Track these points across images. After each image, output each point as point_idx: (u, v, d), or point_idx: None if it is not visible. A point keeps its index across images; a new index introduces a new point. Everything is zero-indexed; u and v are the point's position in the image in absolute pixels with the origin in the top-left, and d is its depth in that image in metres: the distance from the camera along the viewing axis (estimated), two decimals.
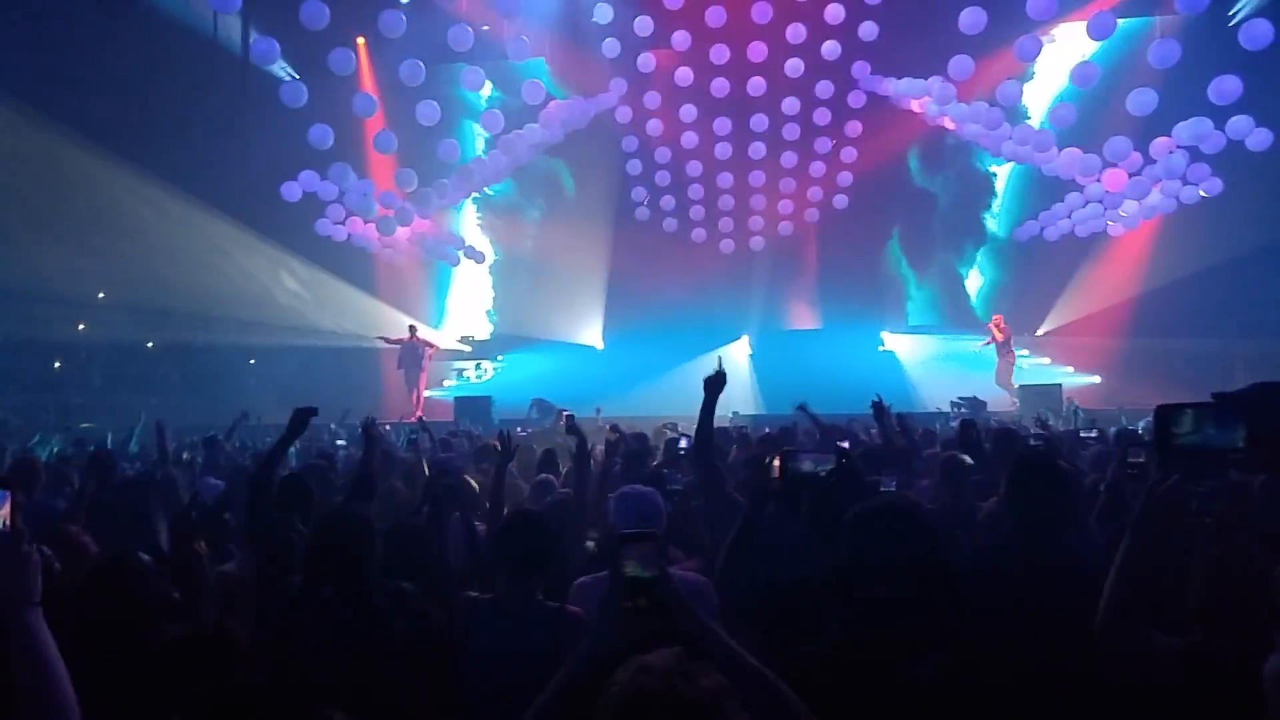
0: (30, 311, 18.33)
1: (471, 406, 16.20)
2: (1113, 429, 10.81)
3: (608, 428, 8.79)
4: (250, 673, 2.75)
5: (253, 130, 17.37)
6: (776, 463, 3.76)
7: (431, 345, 18.32)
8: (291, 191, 16.90)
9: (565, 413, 14.54)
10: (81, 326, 20.71)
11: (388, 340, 18.16)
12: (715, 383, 4.82)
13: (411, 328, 18.20)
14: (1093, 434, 9.65)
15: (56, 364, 20.55)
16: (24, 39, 15.54)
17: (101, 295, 20.28)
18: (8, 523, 1.98)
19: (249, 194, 17.64)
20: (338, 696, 2.97)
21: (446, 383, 20.51)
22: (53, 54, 16.03)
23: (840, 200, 19.17)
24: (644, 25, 16.66)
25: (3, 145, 15.90)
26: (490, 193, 20.68)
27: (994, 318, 17.75)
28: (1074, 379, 17.77)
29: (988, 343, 17.53)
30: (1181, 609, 2.96)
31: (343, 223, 17.66)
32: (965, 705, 2.18)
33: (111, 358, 20.24)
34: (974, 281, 20.88)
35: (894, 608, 2.31)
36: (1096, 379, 17.66)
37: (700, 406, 4.62)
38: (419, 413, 16.71)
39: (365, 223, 17.81)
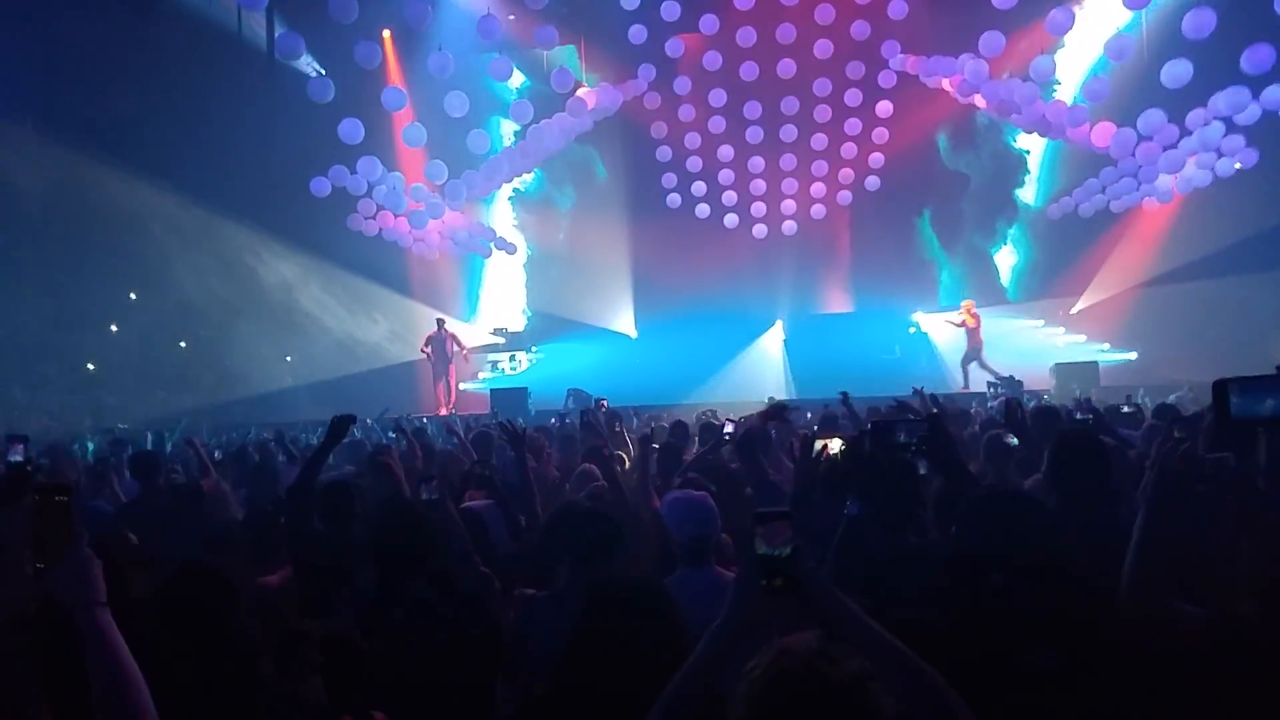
0: (61, 314, 18.47)
1: (507, 398, 16.20)
2: (1147, 401, 10.82)
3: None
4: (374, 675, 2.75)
5: (280, 127, 17.37)
6: (822, 446, 3.77)
7: (461, 345, 18.28)
8: (321, 187, 16.90)
9: (601, 400, 14.65)
10: (114, 328, 20.79)
11: (425, 349, 18.10)
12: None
13: (439, 321, 18.20)
14: (1130, 409, 9.61)
15: (90, 366, 20.63)
16: (48, 38, 15.53)
17: (134, 296, 20.35)
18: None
19: (275, 193, 17.68)
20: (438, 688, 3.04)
21: (481, 375, 20.53)
22: (75, 54, 16.02)
23: (872, 182, 19.06)
24: (671, 10, 16.56)
25: (28, 147, 15.98)
26: (521, 188, 20.67)
27: (965, 303, 17.51)
28: (1110, 355, 17.62)
29: (959, 324, 17.31)
30: (1210, 579, 2.96)
31: (373, 217, 17.66)
32: (1083, 702, 2.16)
33: (145, 358, 20.32)
34: (1007, 260, 20.75)
35: (1011, 598, 2.31)
36: (1133, 355, 17.50)
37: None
38: (450, 407, 16.72)
39: (396, 217, 17.80)
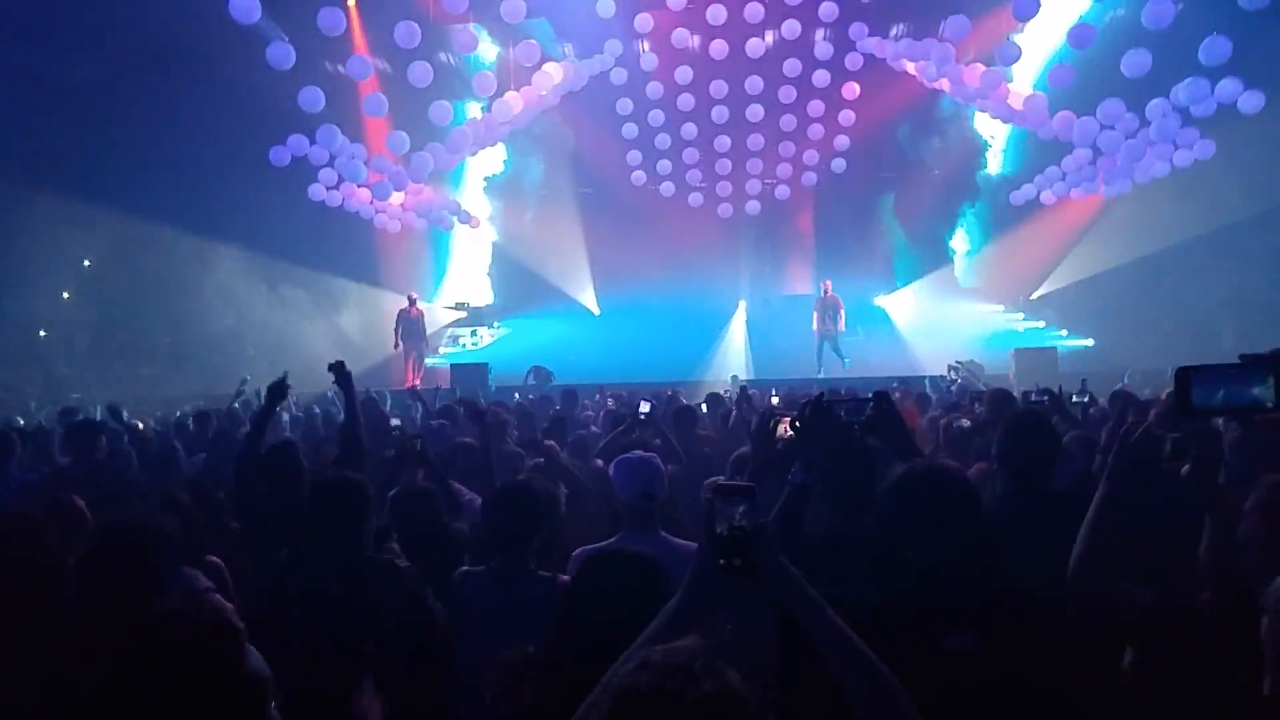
0: (14, 281, 18.08)
1: (468, 373, 16.14)
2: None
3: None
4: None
5: (238, 94, 17.03)
6: (782, 426, 3.66)
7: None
8: (280, 157, 16.64)
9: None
10: (66, 295, 20.41)
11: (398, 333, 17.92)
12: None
13: (410, 298, 18.04)
14: (1084, 398, 9.63)
15: (41, 333, 20.24)
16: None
17: (87, 264, 19.98)
18: None
19: (237, 160, 17.38)
20: (310, 678, 2.93)
21: (443, 350, 20.41)
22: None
23: (838, 164, 19.11)
24: None
25: None
26: (495, 168, 20.60)
27: (824, 283, 17.64)
28: (1069, 341, 17.87)
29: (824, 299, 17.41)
30: (1164, 562, 3.01)
31: (335, 188, 17.44)
32: (1004, 682, 2.13)
33: (100, 328, 19.96)
34: (965, 244, 20.96)
35: (932, 574, 2.27)
36: (1090, 342, 17.77)
37: None
38: (416, 381, 16.63)
39: (358, 188, 17.59)
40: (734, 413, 8.37)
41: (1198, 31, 14.52)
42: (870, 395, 3.44)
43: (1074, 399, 9.29)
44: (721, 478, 4.71)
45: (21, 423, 10.82)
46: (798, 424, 3.36)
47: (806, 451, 3.31)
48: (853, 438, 3.48)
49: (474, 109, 18.17)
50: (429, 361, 19.28)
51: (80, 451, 6.54)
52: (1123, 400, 7.37)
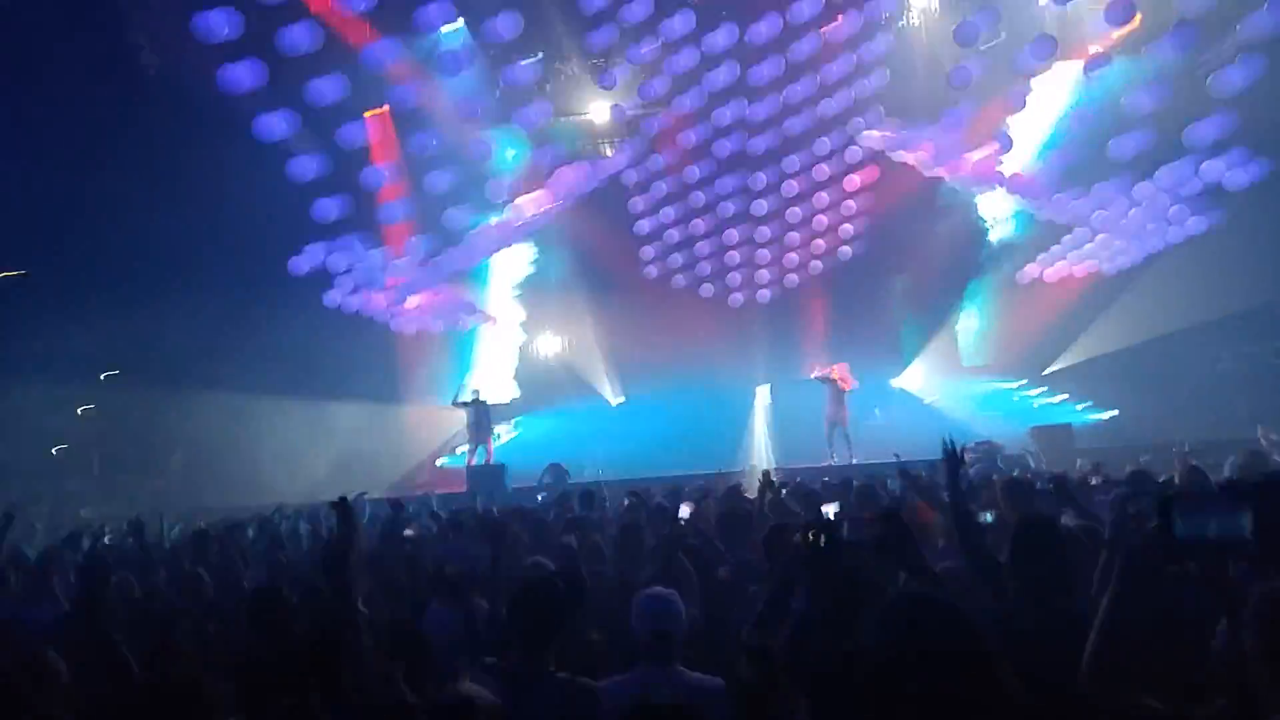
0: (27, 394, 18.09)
1: (485, 475, 15.98)
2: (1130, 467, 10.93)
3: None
4: None
5: (261, 205, 17.38)
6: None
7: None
8: (299, 266, 16.92)
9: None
10: (81, 411, 20.36)
11: (458, 404, 17.93)
12: None
13: (475, 392, 18.07)
14: (1098, 480, 9.44)
15: (54, 450, 20.15)
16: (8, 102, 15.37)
17: (104, 377, 20.01)
18: None
19: (257, 268, 17.64)
20: None
21: (460, 450, 20.37)
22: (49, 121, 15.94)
23: (844, 252, 19.59)
24: (649, 90, 17.04)
25: None
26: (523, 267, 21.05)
27: (831, 367, 17.61)
28: (1090, 414, 18.01)
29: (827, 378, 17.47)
30: (1174, 664, 2.87)
31: (354, 294, 17.70)
32: None
33: (112, 441, 19.87)
34: (973, 324, 21.24)
35: (931, 705, 2.15)
36: (1114, 413, 17.86)
37: None
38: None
39: (375, 294, 17.86)
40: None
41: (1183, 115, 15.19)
42: (879, 514, 3.35)
43: (1091, 480, 9.27)
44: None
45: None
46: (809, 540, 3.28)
47: (813, 575, 3.26)
48: (856, 563, 3.37)
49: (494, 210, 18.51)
50: (440, 463, 19.31)
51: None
52: (1121, 498, 7.17)
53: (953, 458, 4.57)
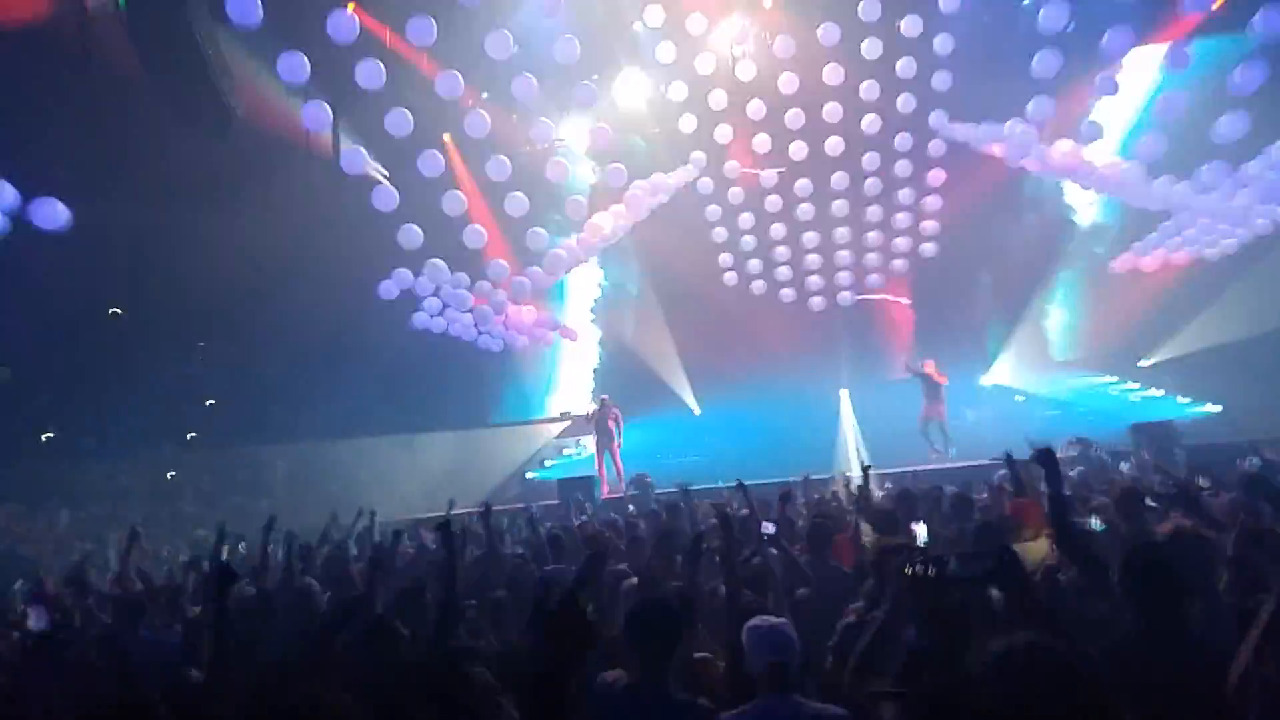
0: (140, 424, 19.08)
1: (575, 487, 16.18)
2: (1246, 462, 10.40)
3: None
4: None
5: (347, 233, 17.96)
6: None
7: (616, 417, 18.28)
8: (388, 290, 17.43)
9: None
10: (191, 436, 21.34)
11: (573, 416, 18.30)
12: None
13: (603, 400, 18.37)
14: (1206, 483, 8.99)
15: (170, 475, 21.15)
16: (104, 145, 16.18)
17: (210, 402, 20.95)
18: None
19: (345, 295, 18.25)
20: None
21: (549, 463, 20.72)
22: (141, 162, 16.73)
23: (927, 249, 19.18)
24: (718, 99, 17.01)
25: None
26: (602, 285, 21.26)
27: (925, 363, 17.36)
28: (1192, 409, 17.25)
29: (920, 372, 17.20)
30: None
31: (440, 315, 18.16)
32: None
33: (218, 464, 20.79)
34: (1062, 318, 20.59)
35: None
36: (1218, 408, 17.05)
37: None
38: (619, 488, 16.72)
39: (461, 314, 18.27)
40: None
41: None
42: (991, 552, 3.25)
43: (1201, 484, 8.88)
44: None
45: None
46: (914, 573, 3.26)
47: (924, 607, 3.27)
48: (964, 599, 3.39)
49: (570, 227, 18.75)
50: (530, 475, 19.66)
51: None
52: (1258, 488, 6.89)
53: (1047, 458, 4.55)
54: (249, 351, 19.34)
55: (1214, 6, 14.60)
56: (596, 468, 17.74)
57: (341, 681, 4.18)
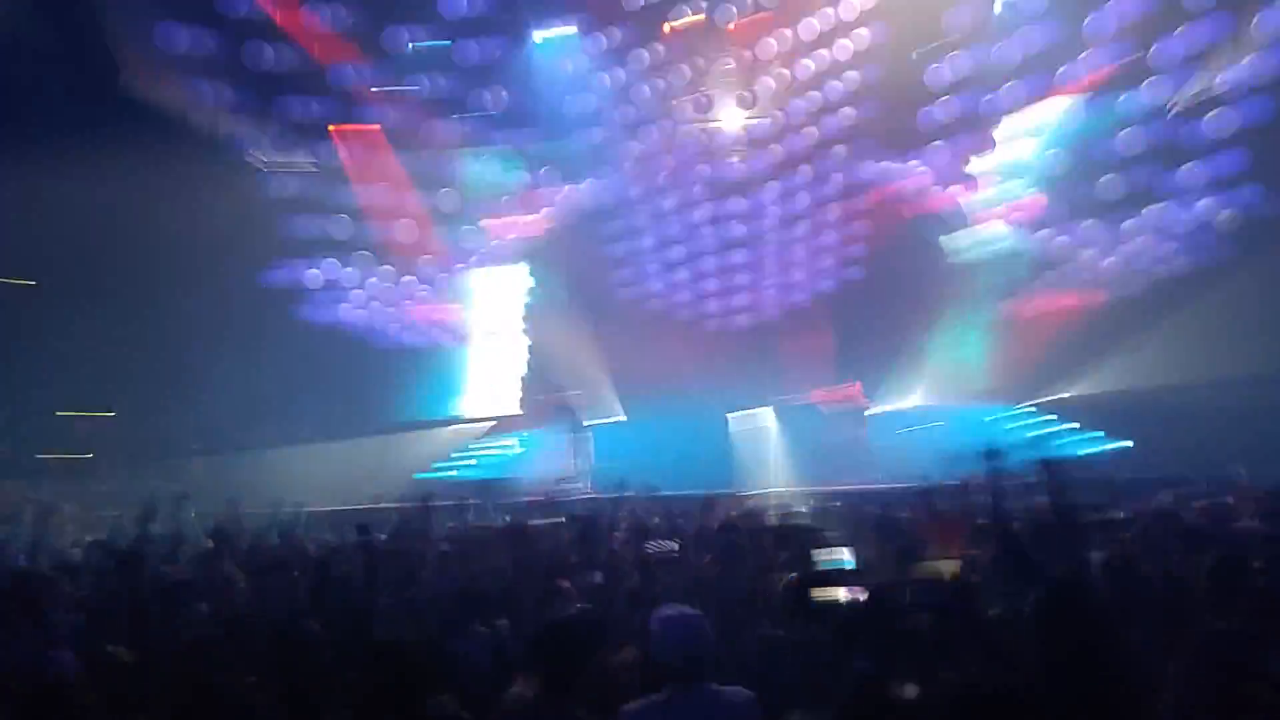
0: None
1: (491, 489, 15.98)
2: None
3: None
4: None
5: (240, 219, 17.51)
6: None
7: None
8: (279, 278, 17.05)
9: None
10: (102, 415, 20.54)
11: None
12: None
13: (558, 388, 18.28)
14: (1119, 514, 9.29)
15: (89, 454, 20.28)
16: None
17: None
18: None
19: (231, 281, 17.81)
20: None
21: (460, 462, 20.44)
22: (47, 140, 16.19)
23: (847, 275, 19.63)
24: (628, 114, 17.00)
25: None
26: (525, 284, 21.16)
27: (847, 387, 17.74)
28: (1104, 444, 17.73)
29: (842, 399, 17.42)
30: None
31: (332, 307, 17.83)
32: None
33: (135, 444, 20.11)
34: (979, 351, 21.02)
35: None
36: (1129, 443, 17.55)
37: None
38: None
39: (383, 308, 17.95)
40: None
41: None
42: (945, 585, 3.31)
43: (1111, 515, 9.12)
44: None
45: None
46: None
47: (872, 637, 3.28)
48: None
49: (496, 228, 18.54)
50: (439, 475, 19.38)
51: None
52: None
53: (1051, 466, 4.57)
54: (164, 329, 18.73)
55: (1107, 72, 15.29)
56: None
57: (257, 669, 4.24)
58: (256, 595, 6.60)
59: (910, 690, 3.18)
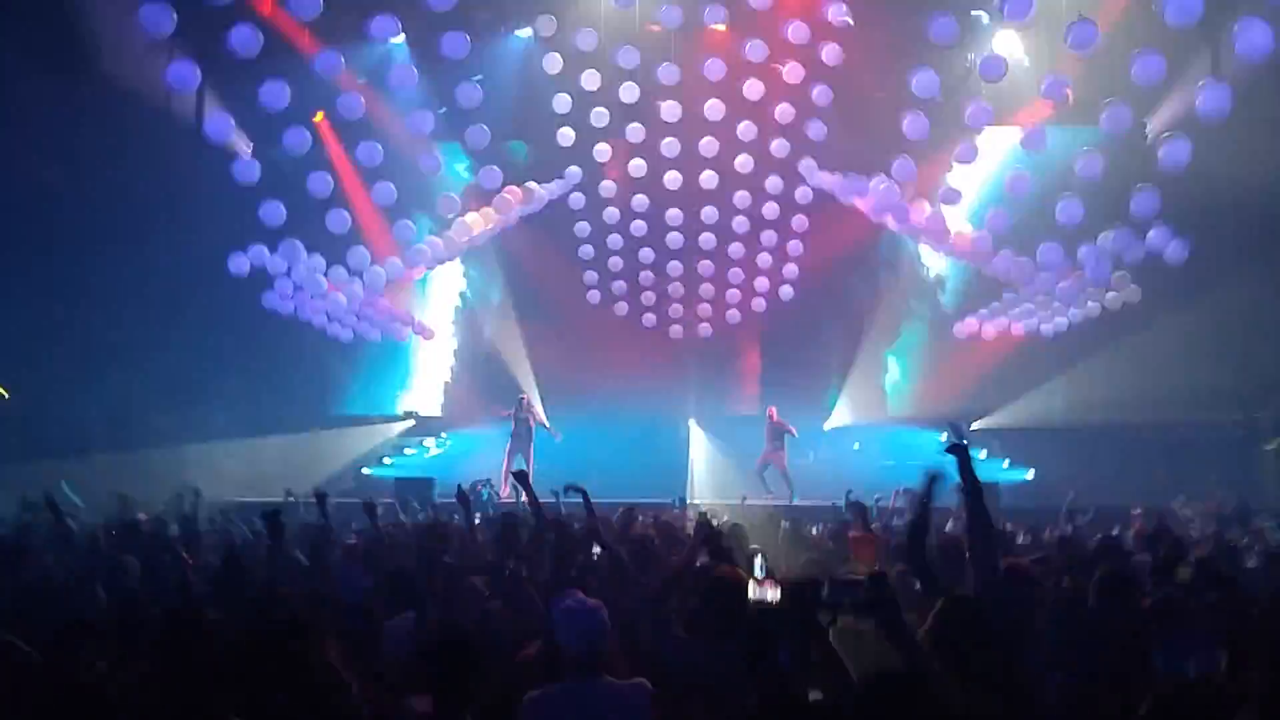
0: None
1: (412, 488, 15.80)
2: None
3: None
4: None
5: (203, 205, 17.14)
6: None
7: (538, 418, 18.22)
8: (239, 265, 16.68)
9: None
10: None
11: (501, 414, 18.17)
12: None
13: (520, 399, 18.26)
14: (1025, 539, 9.67)
15: None
16: None
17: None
18: None
19: (194, 269, 17.41)
20: None
21: (387, 461, 20.21)
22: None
23: (785, 291, 19.76)
24: (600, 116, 17.08)
25: None
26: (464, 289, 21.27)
27: (769, 409, 18.14)
28: (1008, 473, 18.29)
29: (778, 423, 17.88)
30: None
31: (290, 297, 17.48)
32: None
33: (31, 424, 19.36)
34: (907, 374, 21.52)
35: None
36: (1029, 474, 18.16)
37: None
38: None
39: (313, 299, 17.64)
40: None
41: (1129, 181, 15.46)
42: (862, 578, 3.28)
43: (1020, 541, 9.54)
44: None
45: None
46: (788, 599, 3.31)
47: (792, 635, 3.23)
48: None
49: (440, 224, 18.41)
50: (367, 472, 19.19)
51: None
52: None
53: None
54: (81, 307, 18.11)
55: (1069, 98, 15.60)
56: (504, 467, 17.37)
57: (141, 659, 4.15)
58: (149, 582, 6.52)
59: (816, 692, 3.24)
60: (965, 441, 4.76)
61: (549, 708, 3.73)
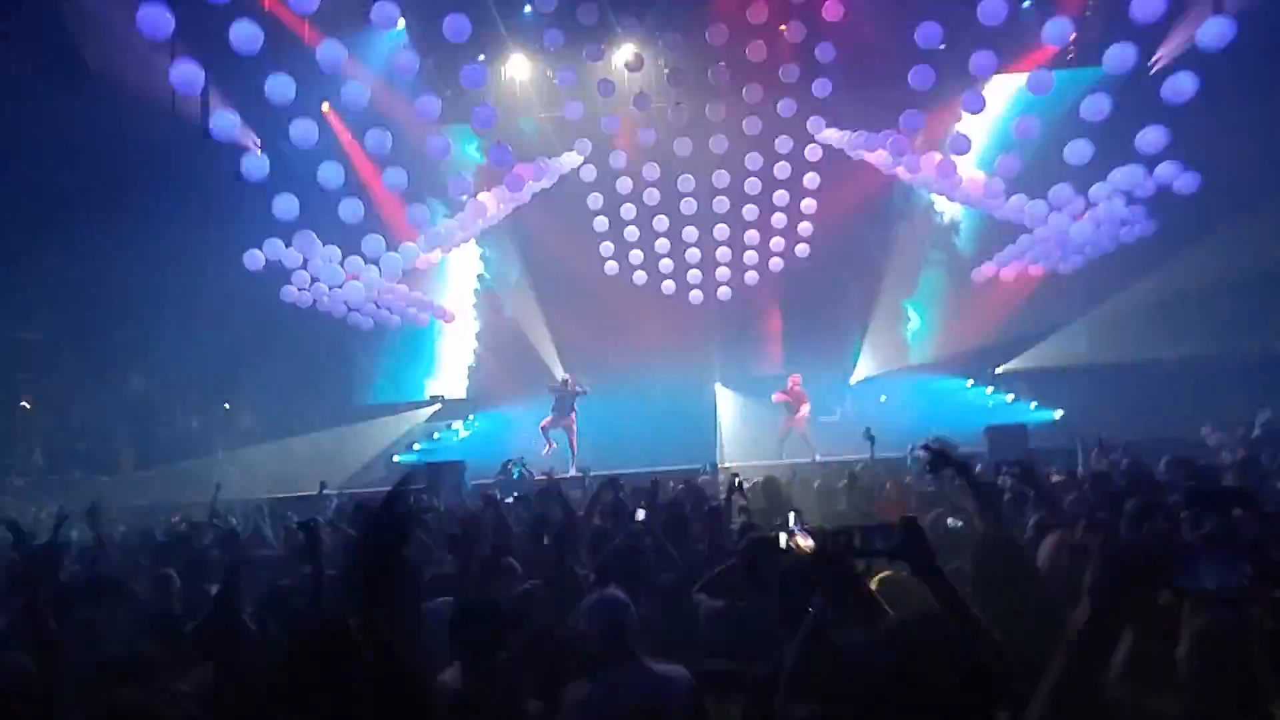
0: None
1: (443, 472, 15.85)
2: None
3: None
4: None
5: (216, 203, 17.26)
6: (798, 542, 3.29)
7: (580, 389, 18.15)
8: (254, 260, 16.78)
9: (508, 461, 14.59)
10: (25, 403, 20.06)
11: (553, 388, 18.16)
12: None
13: (566, 378, 18.29)
14: (1059, 476, 9.70)
15: None
16: None
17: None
18: None
19: (211, 268, 17.55)
20: None
21: (417, 446, 20.39)
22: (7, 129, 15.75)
23: (802, 249, 19.73)
24: (607, 88, 17.08)
25: None
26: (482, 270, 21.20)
27: (791, 377, 18.07)
28: (1037, 413, 18.28)
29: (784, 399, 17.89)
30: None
31: (307, 289, 17.58)
32: None
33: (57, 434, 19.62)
34: (928, 322, 21.51)
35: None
36: (1059, 414, 18.13)
37: None
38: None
39: (331, 289, 17.73)
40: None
41: (1135, 119, 15.34)
42: (895, 525, 3.14)
43: (1054, 479, 9.54)
44: None
45: None
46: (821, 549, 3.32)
47: (826, 581, 3.23)
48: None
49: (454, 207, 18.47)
50: (398, 459, 19.35)
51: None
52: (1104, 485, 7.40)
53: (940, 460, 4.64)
54: (97, 318, 18.32)
55: (1070, 41, 15.49)
56: (546, 446, 17.54)
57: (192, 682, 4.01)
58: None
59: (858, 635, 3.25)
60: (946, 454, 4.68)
61: (595, 703, 3.73)
